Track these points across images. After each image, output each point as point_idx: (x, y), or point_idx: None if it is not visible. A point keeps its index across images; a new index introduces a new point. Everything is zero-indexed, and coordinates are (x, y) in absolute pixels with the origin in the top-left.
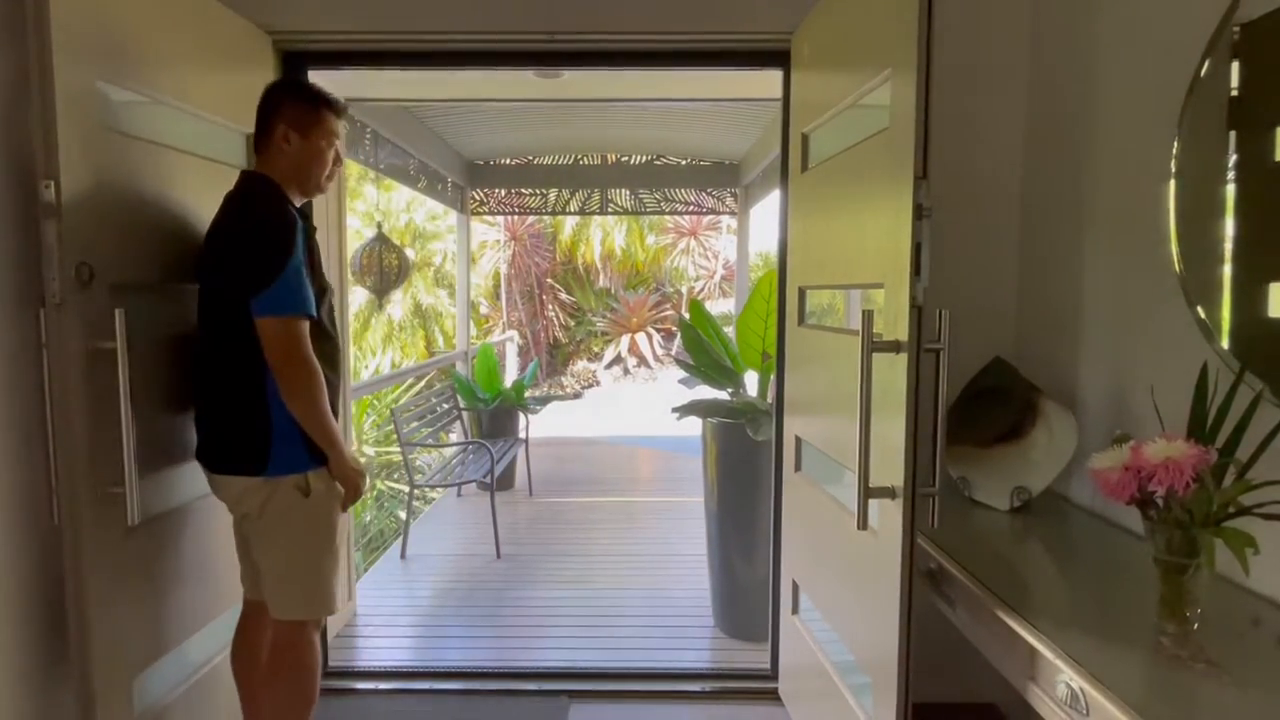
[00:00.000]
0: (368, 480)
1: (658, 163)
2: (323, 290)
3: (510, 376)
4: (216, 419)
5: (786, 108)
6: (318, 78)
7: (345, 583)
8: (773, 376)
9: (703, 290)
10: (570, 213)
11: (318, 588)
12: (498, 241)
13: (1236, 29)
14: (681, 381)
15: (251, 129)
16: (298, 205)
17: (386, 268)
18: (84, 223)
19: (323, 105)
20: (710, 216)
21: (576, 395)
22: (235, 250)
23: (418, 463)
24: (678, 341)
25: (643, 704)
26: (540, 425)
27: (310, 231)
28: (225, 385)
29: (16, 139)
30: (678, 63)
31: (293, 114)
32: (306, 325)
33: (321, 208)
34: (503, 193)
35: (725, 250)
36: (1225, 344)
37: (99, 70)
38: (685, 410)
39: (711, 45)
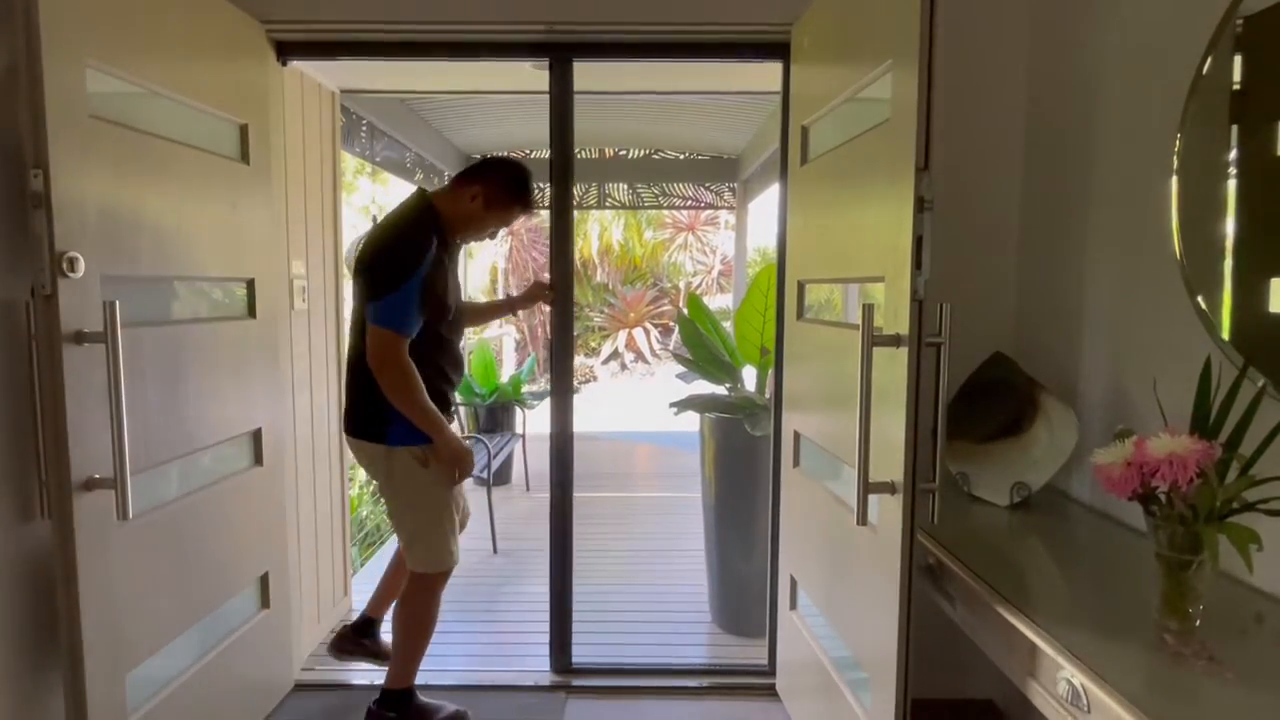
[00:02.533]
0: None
1: (655, 157)
2: (448, 307)
3: (507, 371)
4: (356, 394)
5: (786, 100)
6: (311, 68)
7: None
8: (771, 371)
9: (700, 285)
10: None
11: (441, 545)
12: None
13: (1240, 22)
14: (679, 376)
15: (245, 119)
16: (452, 240)
17: None
18: (73, 213)
19: (519, 203)
20: (708, 211)
21: (574, 390)
22: (374, 258)
23: None
24: (675, 337)
25: (640, 700)
26: (537, 420)
27: (445, 261)
28: (363, 369)
29: (5, 127)
30: (676, 54)
31: (495, 189)
32: (403, 340)
33: (316, 202)
34: None
35: (723, 245)
36: (1228, 338)
37: (89, 58)
38: (683, 405)
39: (710, 37)
